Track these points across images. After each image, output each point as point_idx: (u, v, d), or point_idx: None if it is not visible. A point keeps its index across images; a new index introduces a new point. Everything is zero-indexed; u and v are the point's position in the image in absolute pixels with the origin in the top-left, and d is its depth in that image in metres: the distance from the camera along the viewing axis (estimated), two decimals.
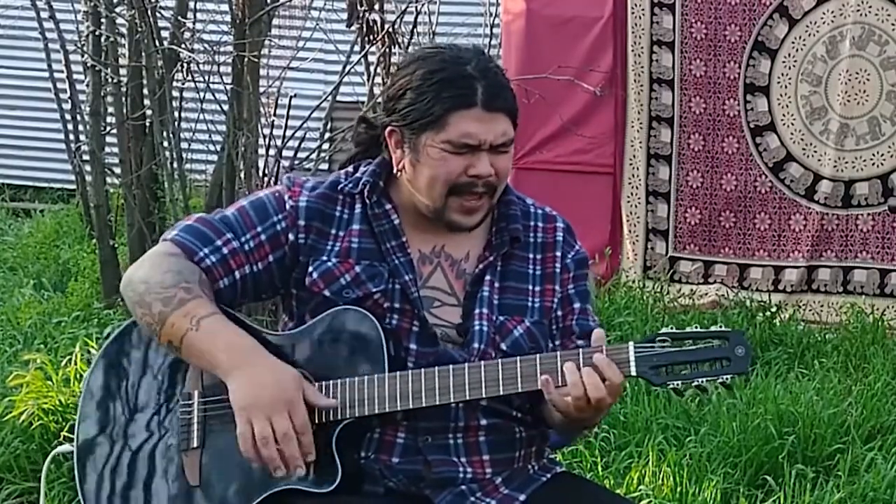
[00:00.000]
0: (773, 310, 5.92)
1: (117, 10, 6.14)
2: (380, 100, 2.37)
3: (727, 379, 2.17)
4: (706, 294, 6.20)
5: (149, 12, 5.59)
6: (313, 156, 5.90)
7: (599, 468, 3.96)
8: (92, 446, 2.33)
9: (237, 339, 2.19)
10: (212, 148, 6.12)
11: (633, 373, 2.16)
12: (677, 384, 2.17)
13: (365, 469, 2.24)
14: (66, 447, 3.06)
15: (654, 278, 6.29)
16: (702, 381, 2.16)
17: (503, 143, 2.26)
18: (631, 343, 2.18)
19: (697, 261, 6.34)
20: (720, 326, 2.24)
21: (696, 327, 2.22)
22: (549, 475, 2.37)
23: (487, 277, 2.31)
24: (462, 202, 2.25)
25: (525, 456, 2.35)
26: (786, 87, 6.12)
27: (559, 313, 2.36)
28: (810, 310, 6.10)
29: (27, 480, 4.03)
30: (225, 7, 5.75)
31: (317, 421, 2.19)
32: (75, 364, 4.26)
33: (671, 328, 2.21)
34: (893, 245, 6.01)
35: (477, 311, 2.29)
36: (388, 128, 2.28)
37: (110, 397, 2.33)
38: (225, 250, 2.27)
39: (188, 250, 2.27)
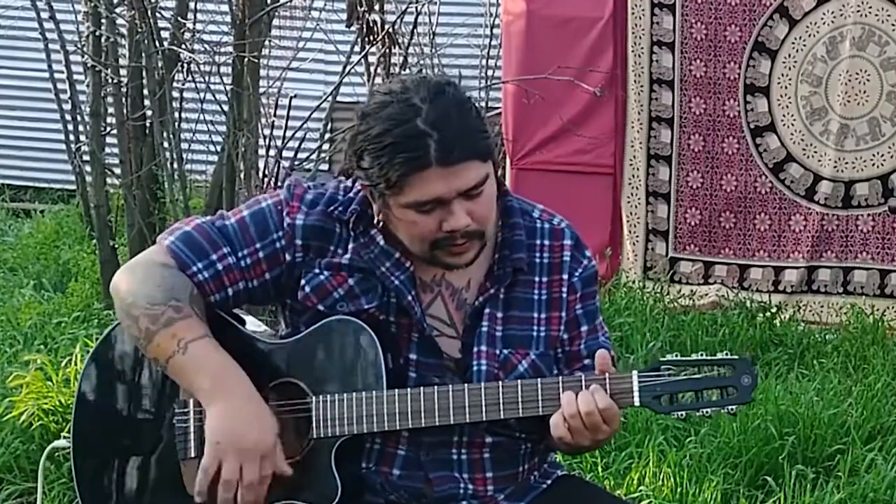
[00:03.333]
0: (774, 310, 5.91)
1: (117, 10, 6.14)
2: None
3: (732, 409, 2.14)
4: (706, 295, 6.20)
5: (149, 13, 5.60)
6: (313, 156, 5.90)
7: (599, 469, 3.96)
8: (89, 450, 2.30)
9: (222, 368, 2.15)
10: (212, 148, 6.12)
11: (637, 403, 2.14)
12: (681, 414, 2.15)
13: (366, 480, 2.22)
14: (62, 442, 3.06)
15: (655, 279, 6.29)
16: (707, 412, 2.14)
17: (474, 187, 2.11)
18: (635, 372, 2.15)
19: (697, 261, 6.34)
20: (726, 353, 2.17)
21: (703, 354, 2.18)
22: (549, 481, 2.36)
23: (487, 310, 2.24)
24: (449, 250, 2.16)
25: (528, 469, 2.33)
26: (786, 87, 6.11)
27: (565, 337, 2.30)
28: (810, 310, 6.10)
29: (27, 480, 4.03)
30: (225, 7, 5.75)
31: (315, 435, 2.17)
32: (75, 364, 4.26)
33: (676, 355, 2.18)
34: (893, 246, 6.01)
35: (476, 348, 2.22)
36: (360, 181, 2.19)
37: (105, 400, 2.31)
38: (220, 266, 2.22)
39: (181, 263, 2.21)
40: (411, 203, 2.11)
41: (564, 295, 2.28)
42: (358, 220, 2.23)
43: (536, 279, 2.28)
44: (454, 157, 2.08)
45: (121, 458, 2.29)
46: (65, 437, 3.62)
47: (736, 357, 2.16)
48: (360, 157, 2.14)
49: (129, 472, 2.28)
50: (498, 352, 2.23)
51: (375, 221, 2.21)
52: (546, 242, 2.30)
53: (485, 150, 2.14)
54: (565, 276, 2.29)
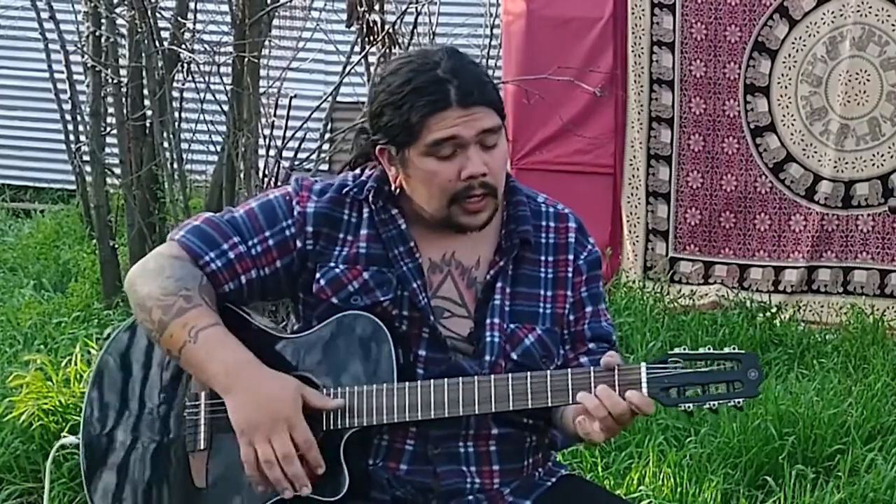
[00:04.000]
0: (774, 310, 5.92)
1: (117, 10, 6.14)
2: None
3: (740, 402, 2.15)
4: (706, 295, 6.21)
5: (149, 13, 5.60)
6: (313, 156, 5.90)
7: (599, 468, 3.96)
8: (99, 443, 2.31)
9: (233, 354, 2.17)
10: (212, 148, 6.11)
11: (645, 394, 2.14)
12: (688, 406, 2.15)
13: (373, 476, 2.23)
14: (70, 438, 3.07)
15: (655, 279, 6.29)
16: (714, 404, 2.14)
17: (489, 132, 2.19)
18: (643, 364, 2.16)
19: (697, 261, 6.34)
20: (733, 348, 2.20)
21: (710, 348, 2.20)
22: (554, 479, 2.37)
23: (499, 284, 2.28)
24: (465, 206, 2.21)
25: (533, 463, 2.34)
26: (786, 87, 6.12)
27: (571, 318, 2.33)
28: (810, 310, 6.10)
29: (27, 480, 4.03)
30: (225, 7, 5.75)
31: (324, 428, 2.18)
32: (75, 364, 4.26)
33: (684, 349, 2.19)
34: (893, 245, 6.01)
35: (488, 321, 2.26)
36: (378, 146, 2.25)
37: (116, 394, 2.32)
38: (231, 255, 2.25)
39: (193, 254, 2.25)
40: (431, 144, 2.17)
41: (570, 275, 2.34)
42: (376, 195, 2.28)
43: (542, 258, 2.33)
44: (472, 100, 2.17)
45: (130, 452, 2.30)
46: (66, 436, 3.62)
47: (743, 351, 2.18)
48: (379, 116, 2.22)
49: (139, 466, 2.29)
50: (506, 325, 2.27)
51: (393, 188, 2.26)
52: (551, 224, 2.36)
53: (498, 102, 2.24)
54: (570, 257, 2.35)
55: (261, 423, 2.11)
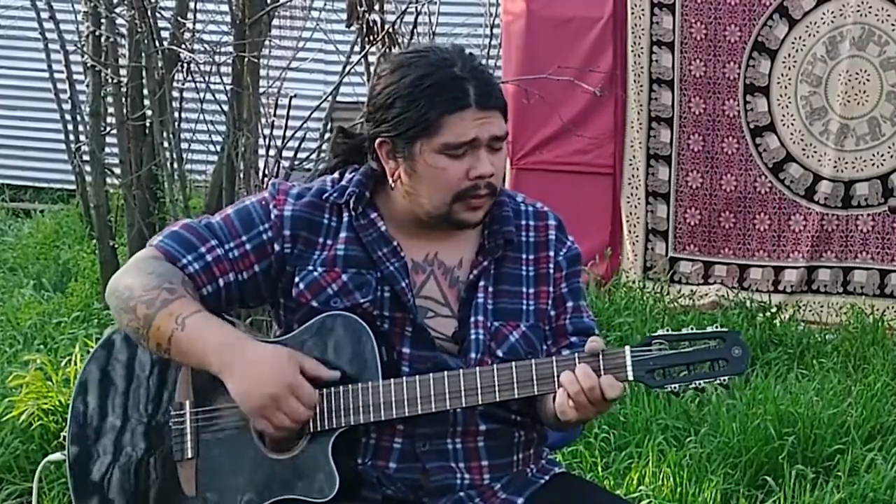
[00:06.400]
0: (773, 310, 5.92)
1: (117, 10, 6.14)
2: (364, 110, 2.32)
3: (725, 380, 2.15)
4: (706, 295, 6.21)
5: (149, 13, 5.59)
6: (313, 156, 5.90)
7: (599, 468, 3.96)
8: (85, 457, 2.31)
9: (223, 333, 2.18)
10: (212, 148, 6.11)
11: (631, 377, 2.15)
12: (675, 387, 2.15)
13: (362, 476, 2.23)
14: (57, 455, 3.06)
15: (655, 279, 6.29)
16: (699, 383, 2.15)
17: (498, 138, 2.23)
18: (627, 347, 2.17)
19: (697, 261, 6.34)
20: (717, 327, 2.20)
21: (693, 328, 2.20)
22: (547, 477, 2.37)
23: (482, 283, 2.29)
24: (468, 203, 2.23)
25: (523, 459, 2.34)
26: (786, 87, 6.12)
27: (552, 313, 2.34)
28: (810, 310, 6.10)
29: (27, 481, 4.03)
30: (225, 7, 5.75)
31: (311, 429, 2.19)
32: (75, 364, 4.26)
33: (667, 330, 2.19)
34: (893, 245, 6.01)
35: (472, 318, 2.26)
36: (378, 139, 2.24)
37: (100, 408, 2.32)
38: (209, 257, 2.25)
39: (171, 257, 2.25)
40: (447, 144, 2.19)
41: (551, 271, 2.35)
42: (357, 200, 2.28)
43: (524, 256, 2.34)
44: (490, 103, 2.21)
45: (118, 465, 2.30)
46: (61, 443, 3.62)
47: (726, 329, 2.18)
48: (387, 107, 2.21)
49: (127, 479, 2.29)
50: (490, 323, 2.27)
51: (390, 183, 2.25)
52: (531, 223, 2.37)
53: (506, 109, 2.26)
54: (551, 254, 2.36)
55: (268, 396, 2.13)
